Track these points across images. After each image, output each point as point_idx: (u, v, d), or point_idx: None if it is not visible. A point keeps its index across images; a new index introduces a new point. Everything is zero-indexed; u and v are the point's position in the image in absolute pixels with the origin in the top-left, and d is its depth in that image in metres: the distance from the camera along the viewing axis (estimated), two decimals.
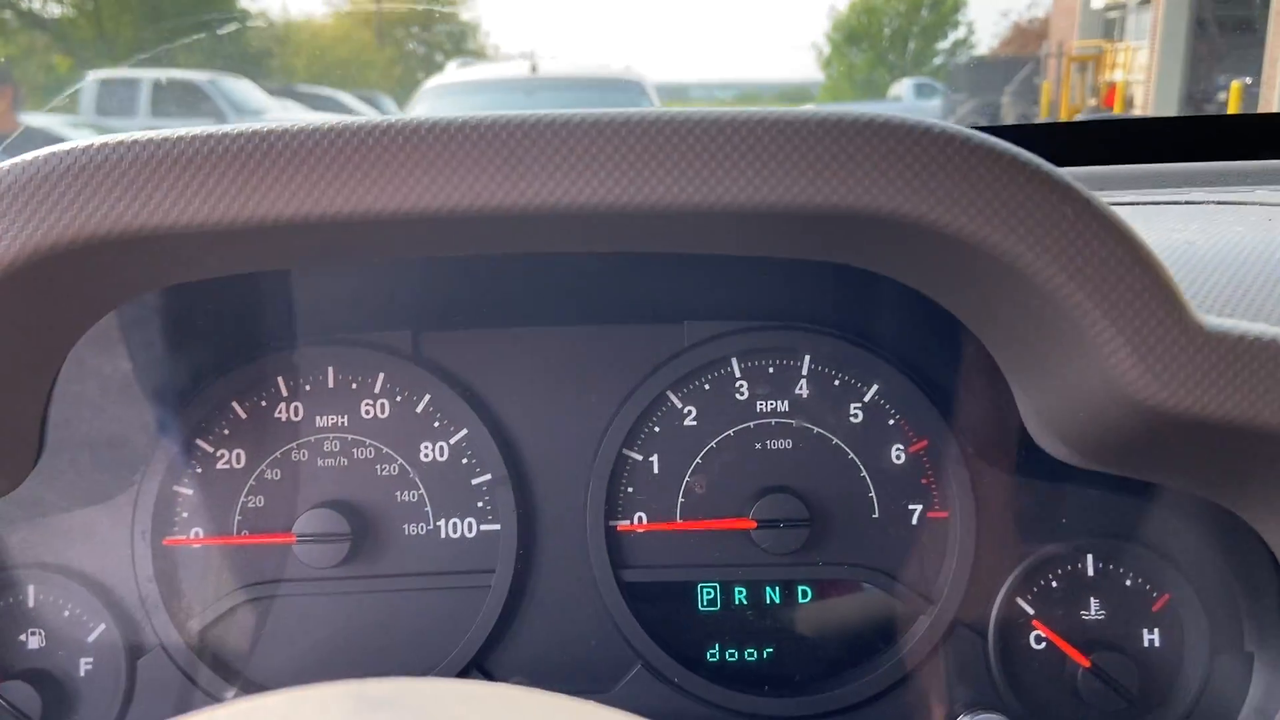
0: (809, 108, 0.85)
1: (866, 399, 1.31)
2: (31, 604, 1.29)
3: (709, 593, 1.32)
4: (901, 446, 1.30)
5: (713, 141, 0.81)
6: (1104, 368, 0.85)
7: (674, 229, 0.89)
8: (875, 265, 0.97)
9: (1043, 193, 0.82)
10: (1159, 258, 0.83)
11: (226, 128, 0.84)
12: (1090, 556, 1.26)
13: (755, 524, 1.26)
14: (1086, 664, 1.21)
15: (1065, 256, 0.82)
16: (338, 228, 0.85)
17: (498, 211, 0.83)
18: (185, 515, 1.31)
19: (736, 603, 1.32)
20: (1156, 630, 1.26)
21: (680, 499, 1.32)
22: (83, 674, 1.29)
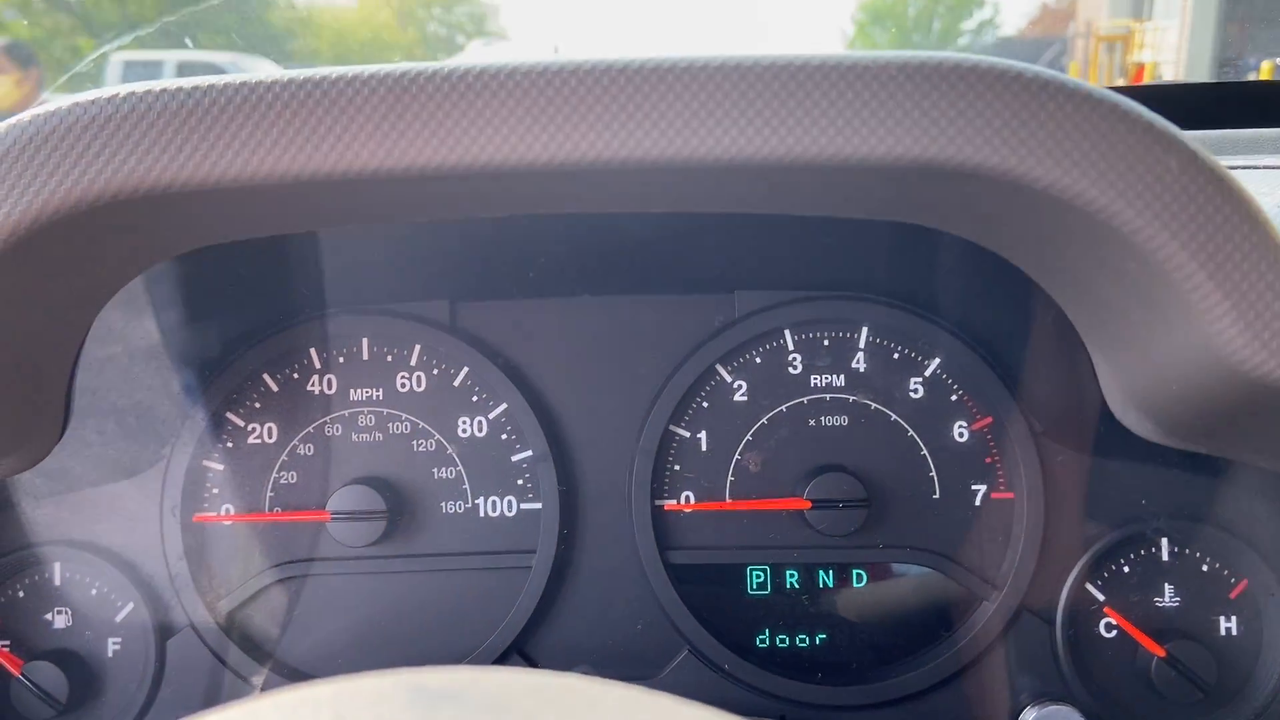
0: (887, 52, 0.78)
1: (928, 373, 1.24)
2: (58, 582, 1.25)
3: (759, 576, 1.26)
4: (964, 424, 1.23)
5: (787, 89, 0.75)
6: (1206, 335, 0.78)
7: (739, 186, 0.82)
8: (951, 225, 0.91)
9: (1145, 143, 0.75)
10: (1270, 217, 0.76)
11: (259, 75, 0.78)
12: (1165, 540, 1.19)
13: (810, 504, 1.20)
14: (1161, 653, 1.15)
15: (1168, 213, 0.75)
16: (376, 184, 0.79)
17: (550, 166, 0.77)
18: (215, 491, 1.26)
19: (788, 586, 1.26)
20: (1234, 618, 1.19)
21: (730, 478, 1.26)
22: (111, 654, 1.25)
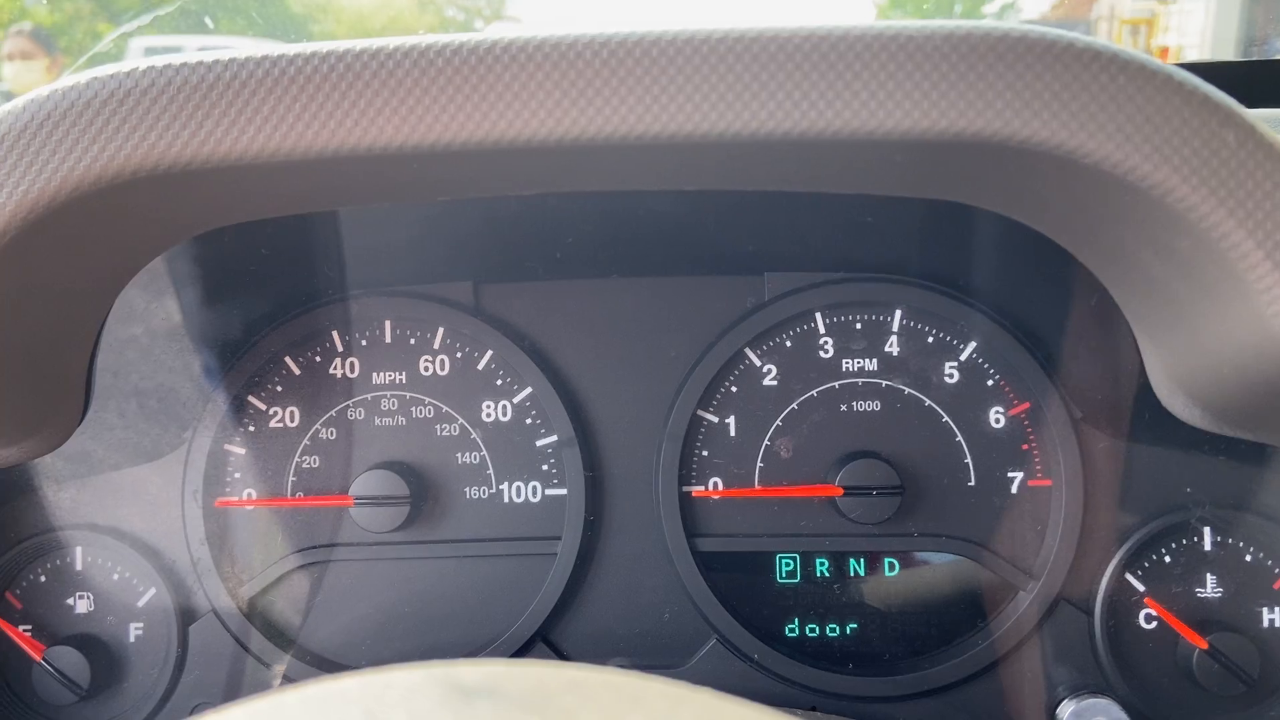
0: (934, 21, 0.75)
1: (963, 357, 1.21)
2: (79, 566, 1.24)
3: (788, 564, 1.23)
4: (1001, 409, 1.20)
5: (829, 60, 0.72)
6: (1261, 316, 0.75)
7: (778, 163, 0.79)
8: (993, 203, 0.87)
9: (1201, 116, 0.71)
10: None
11: (282, 48, 0.76)
12: (1208, 530, 1.16)
13: (842, 491, 1.17)
14: (1203, 645, 1.12)
15: (1225, 189, 0.72)
16: (402, 161, 0.77)
17: (583, 142, 0.74)
18: (237, 475, 1.25)
19: (818, 575, 1.23)
20: (1278, 609, 1.16)
21: (759, 464, 1.23)
22: (133, 640, 1.23)
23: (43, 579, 1.24)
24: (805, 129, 0.73)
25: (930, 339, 1.21)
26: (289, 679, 1.22)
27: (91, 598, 1.24)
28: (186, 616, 1.23)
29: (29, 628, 1.23)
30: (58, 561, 1.24)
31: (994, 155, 0.75)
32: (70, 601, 1.24)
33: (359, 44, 0.76)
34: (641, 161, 0.80)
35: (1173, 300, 0.86)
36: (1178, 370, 0.92)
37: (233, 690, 1.22)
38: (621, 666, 1.11)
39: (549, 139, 0.74)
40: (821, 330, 1.23)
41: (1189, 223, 0.74)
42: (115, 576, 1.24)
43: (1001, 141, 0.73)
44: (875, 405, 1.21)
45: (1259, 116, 1.44)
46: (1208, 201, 0.73)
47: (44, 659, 1.19)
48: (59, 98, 0.75)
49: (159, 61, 0.75)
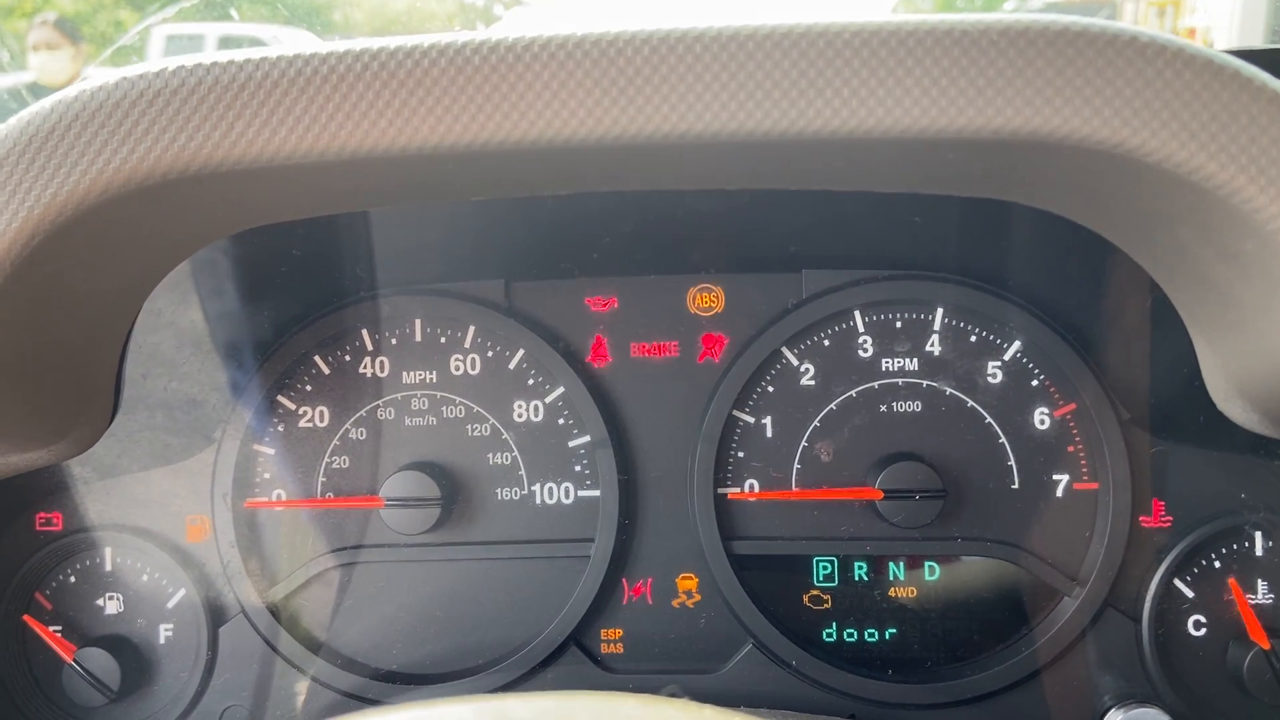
0: (989, 14, 0.72)
1: (1007, 357, 1.18)
2: (109, 567, 1.23)
3: (826, 567, 1.21)
4: (1046, 410, 1.17)
5: (879, 56, 0.69)
6: None
7: (824, 161, 0.77)
8: (1047, 202, 0.84)
9: (1270, 114, 0.68)
10: None
11: (313, 47, 0.74)
12: (1259, 535, 1.13)
13: (881, 494, 1.14)
14: (1266, 645, 1.08)
15: None
16: (436, 161, 0.74)
17: (622, 141, 0.72)
18: (267, 476, 1.23)
19: (856, 579, 1.21)
20: None
21: (796, 465, 1.21)
22: (163, 641, 1.23)
23: (73, 579, 1.23)
24: (855, 127, 0.71)
25: (973, 338, 1.18)
26: (318, 682, 1.21)
27: (121, 599, 1.23)
28: (217, 618, 1.22)
29: (59, 628, 1.22)
30: (87, 562, 1.23)
31: (1051, 154, 0.73)
32: (100, 602, 1.23)
33: (393, 42, 0.74)
34: (682, 161, 0.78)
35: (1234, 303, 0.83)
36: (1236, 373, 0.88)
37: (262, 692, 1.21)
38: (674, 694, 1.09)
39: (588, 138, 0.72)
40: (861, 329, 1.20)
41: (1255, 224, 0.71)
42: (145, 578, 1.23)
43: (1060, 140, 0.70)
44: (916, 406, 1.19)
45: None
46: (1277, 202, 0.70)
47: (75, 660, 1.18)
48: (87, 98, 0.73)
49: (188, 61, 0.73)
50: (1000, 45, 0.69)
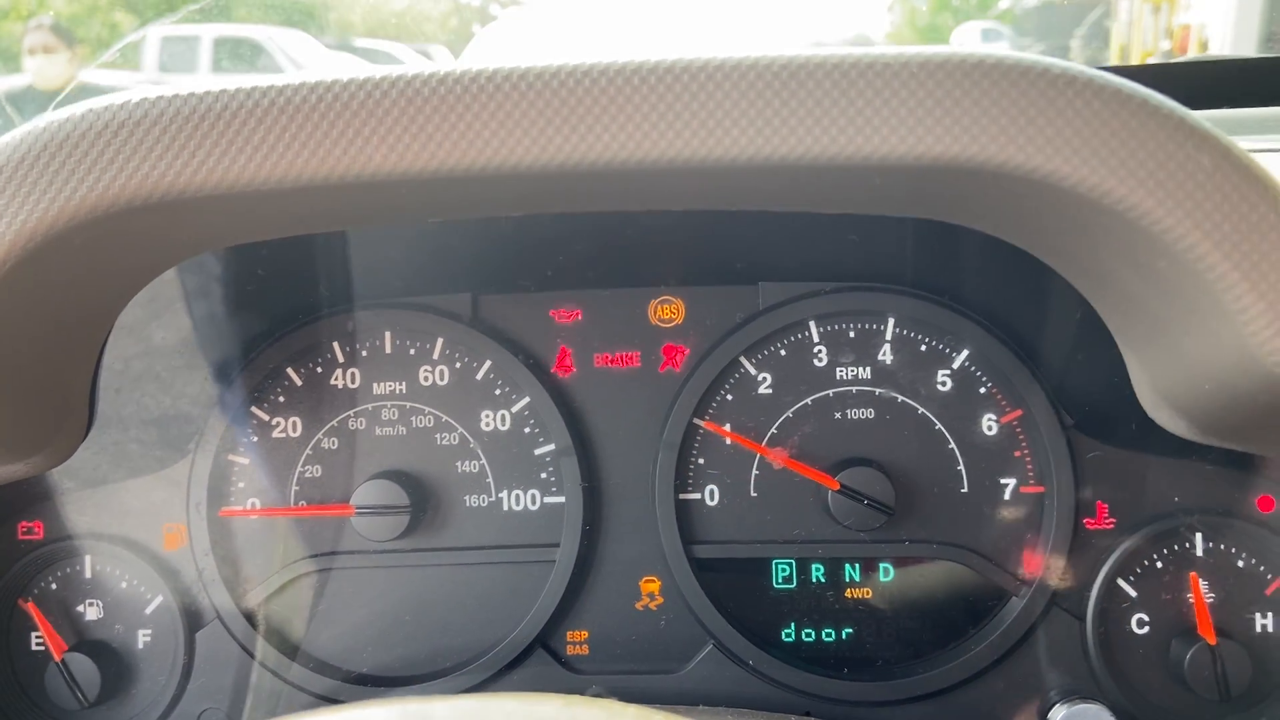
0: (907, 48, 0.76)
1: (955, 365, 1.22)
2: (89, 574, 1.27)
3: (784, 569, 1.25)
4: (994, 416, 1.21)
5: (807, 89, 0.72)
6: (1240, 338, 0.76)
7: (763, 186, 0.80)
8: (978, 223, 0.88)
9: (1176, 139, 0.72)
10: None
11: (272, 79, 0.77)
12: (1199, 536, 1.17)
13: (838, 485, 1.18)
14: (1213, 640, 1.12)
15: (1200, 212, 0.72)
16: (392, 188, 0.78)
17: (569, 169, 0.75)
18: (241, 485, 1.27)
19: (813, 580, 1.25)
20: (1270, 615, 1.17)
21: (754, 471, 1.24)
22: (141, 646, 1.26)
23: (54, 586, 1.27)
24: (786, 155, 0.74)
25: (923, 347, 1.22)
26: (293, 685, 1.24)
27: (101, 605, 1.27)
28: (193, 623, 1.25)
29: (40, 635, 1.25)
30: (68, 569, 1.27)
31: (973, 180, 0.76)
32: (81, 609, 1.26)
33: (348, 73, 0.78)
34: (629, 185, 0.82)
35: (1153, 317, 0.86)
36: (1161, 384, 0.92)
37: (239, 695, 1.25)
38: (596, 694, 1.13)
39: (533, 166, 0.76)
40: (815, 339, 1.24)
41: (1165, 244, 0.75)
42: (124, 584, 1.26)
43: (977, 167, 0.74)
44: (869, 413, 1.23)
45: (1242, 118, 1.42)
46: (1183, 224, 0.74)
47: (59, 663, 1.21)
48: (55, 129, 0.77)
49: (152, 93, 0.77)
50: (920, 77, 0.73)
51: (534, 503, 1.26)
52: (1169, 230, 0.74)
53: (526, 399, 1.26)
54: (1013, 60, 0.74)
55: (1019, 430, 1.21)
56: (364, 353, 1.27)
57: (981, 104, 0.72)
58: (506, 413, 1.27)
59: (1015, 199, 0.79)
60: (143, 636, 1.26)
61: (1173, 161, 0.73)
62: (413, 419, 1.27)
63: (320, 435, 1.27)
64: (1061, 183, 0.73)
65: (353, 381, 1.27)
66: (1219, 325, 0.77)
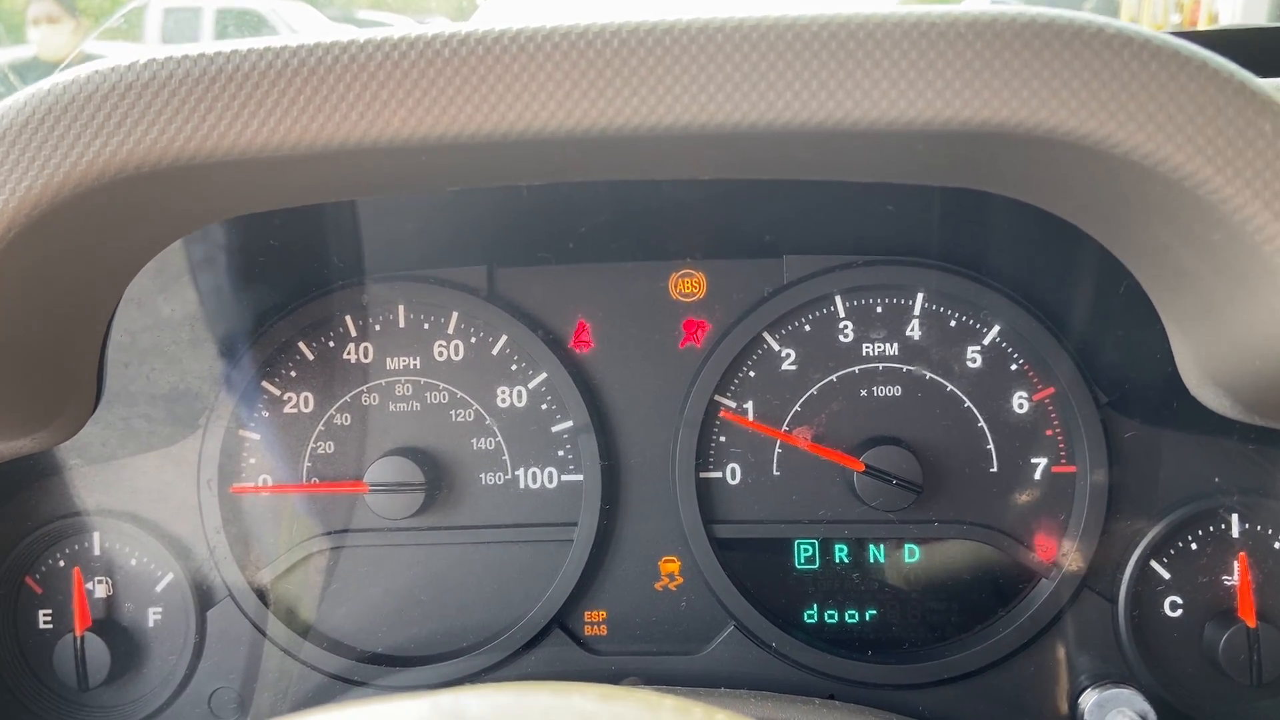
0: (959, 7, 0.72)
1: (986, 341, 1.18)
2: (97, 552, 1.24)
3: (807, 550, 1.22)
4: (1025, 394, 1.18)
5: (847, 49, 0.69)
6: None
7: (796, 152, 0.77)
8: (1020, 192, 0.85)
9: (1237, 105, 0.68)
10: None
11: (285, 40, 0.73)
12: (1236, 517, 1.14)
13: (864, 466, 1.15)
14: (1253, 624, 1.09)
15: (1260, 180, 0.69)
16: (408, 153, 0.75)
17: (593, 133, 0.72)
18: (253, 461, 1.24)
19: (837, 561, 1.22)
20: None
21: (777, 450, 1.21)
22: (151, 624, 1.24)
23: (61, 564, 1.24)
24: (824, 119, 0.71)
25: (952, 323, 1.19)
26: (305, 664, 1.22)
27: (110, 583, 1.24)
28: (204, 601, 1.23)
29: (49, 612, 1.23)
30: (75, 547, 1.24)
31: (1020, 146, 0.73)
32: (90, 586, 1.24)
33: (364, 34, 0.74)
34: (654, 152, 0.78)
35: (1204, 292, 0.83)
36: (1207, 360, 0.89)
37: (250, 674, 1.23)
38: (633, 684, 1.10)
39: (558, 131, 0.72)
40: (841, 314, 1.20)
41: (1222, 215, 0.71)
42: (133, 562, 1.24)
43: (1027, 132, 0.70)
44: (896, 391, 1.19)
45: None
46: (1242, 193, 0.70)
47: (63, 644, 1.19)
48: (60, 92, 0.73)
49: (160, 53, 0.73)
50: (968, 38, 0.69)
51: (551, 480, 1.24)
52: (1227, 200, 0.70)
53: (544, 375, 1.23)
54: (1065, 20, 0.70)
55: (1051, 408, 1.17)
56: (377, 326, 1.24)
57: (1033, 66, 0.69)
58: (523, 389, 1.24)
59: (1065, 167, 0.76)
60: (153, 615, 1.24)
61: (1232, 128, 0.69)
62: (427, 395, 1.24)
63: (333, 411, 1.24)
64: (1115, 149, 0.70)
65: (366, 356, 1.24)
66: (1274, 299, 0.74)
